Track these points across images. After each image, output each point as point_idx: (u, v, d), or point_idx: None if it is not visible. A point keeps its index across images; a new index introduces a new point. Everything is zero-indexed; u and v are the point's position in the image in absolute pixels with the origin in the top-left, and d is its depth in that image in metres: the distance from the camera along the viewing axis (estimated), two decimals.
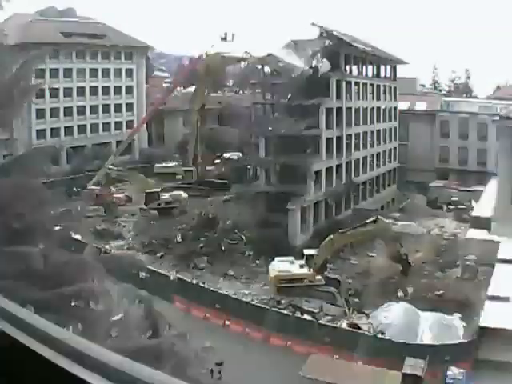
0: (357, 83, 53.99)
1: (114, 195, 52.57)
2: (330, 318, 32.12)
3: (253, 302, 32.81)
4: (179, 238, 42.67)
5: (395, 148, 62.47)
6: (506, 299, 28.78)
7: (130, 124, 73.78)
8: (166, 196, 49.78)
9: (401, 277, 36.47)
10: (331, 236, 36.56)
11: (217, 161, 63.34)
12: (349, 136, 51.89)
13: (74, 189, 52.79)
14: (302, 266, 36.01)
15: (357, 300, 34.51)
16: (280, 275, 35.02)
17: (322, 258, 35.63)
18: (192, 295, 33.47)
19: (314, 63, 49.79)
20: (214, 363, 23.73)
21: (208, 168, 60.38)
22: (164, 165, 62.24)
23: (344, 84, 51.49)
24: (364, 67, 56.63)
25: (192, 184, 55.69)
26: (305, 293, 34.41)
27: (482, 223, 39.45)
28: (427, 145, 68.08)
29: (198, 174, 58.55)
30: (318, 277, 35.40)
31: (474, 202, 52.68)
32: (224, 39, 56.70)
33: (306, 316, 31.87)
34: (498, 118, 46.44)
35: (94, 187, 52.65)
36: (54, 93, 65.00)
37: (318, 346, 28.61)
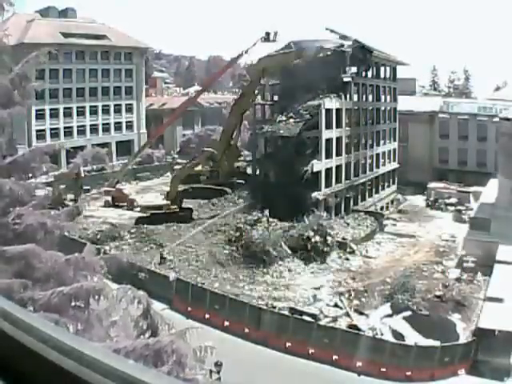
0: (356, 84, 53.99)
1: (130, 197, 52.25)
2: (329, 319, 32.06)
3: (252, 304, 32.66)
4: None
5: (395, 149, 62.47)
6: (504, 300, 28.79)
7: (129, 125, 73.92)
8: None
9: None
10: (174, 172, 50.26)
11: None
12: (348, 137, 51.91)
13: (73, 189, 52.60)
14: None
15: (356, 301, 34.47)
16: (146, 204, 48.90)
17: (174, 191, 47.57)
18: (191, 296, 33.42)
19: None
20: (214, 364, 23.60)
21: (232, 168, 55.68)
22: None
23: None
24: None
25: (214, 185, 52.73)
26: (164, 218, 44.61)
27: (481, 224, 39.45)
28: (427, 146, 68.13)
29: (221, 174, 53.23)
30: (173, 206, 46.84)
31: (473, 203, 52.70)
32: (267, 39, 50.78)
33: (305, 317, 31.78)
34: (497, 118, 46.47)
35: (109, 188, 52.45)
36: (54, 93, 65.07)
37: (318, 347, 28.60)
